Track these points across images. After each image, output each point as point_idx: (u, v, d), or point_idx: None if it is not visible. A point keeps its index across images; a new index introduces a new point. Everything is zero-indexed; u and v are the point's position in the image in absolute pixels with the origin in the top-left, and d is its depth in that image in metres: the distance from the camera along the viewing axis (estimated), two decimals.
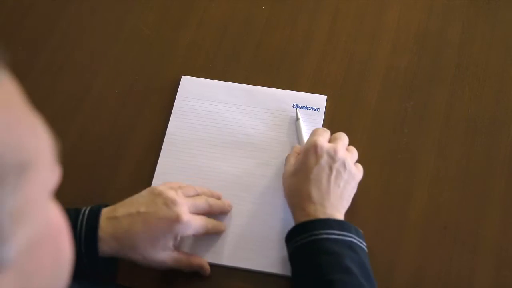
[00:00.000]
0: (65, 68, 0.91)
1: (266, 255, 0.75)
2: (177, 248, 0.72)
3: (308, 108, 0.85)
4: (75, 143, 0.84)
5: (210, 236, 0.76)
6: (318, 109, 0.85)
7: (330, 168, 0.72)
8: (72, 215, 0.68)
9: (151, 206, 0.69)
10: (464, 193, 0.79)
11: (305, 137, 0.80)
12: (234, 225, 0.77)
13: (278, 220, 0.77)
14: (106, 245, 0.67)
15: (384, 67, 0.89)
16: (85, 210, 0.69)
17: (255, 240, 0.76)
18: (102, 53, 0.92)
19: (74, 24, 0.95)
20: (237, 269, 0.75)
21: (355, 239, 0.69)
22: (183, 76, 0.88)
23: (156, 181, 0.80)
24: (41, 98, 0.81)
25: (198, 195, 0.75)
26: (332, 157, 0.73)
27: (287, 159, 0.79)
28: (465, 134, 0.83)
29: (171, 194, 0.70)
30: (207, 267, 0.74)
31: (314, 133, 0.77)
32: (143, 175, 0.81)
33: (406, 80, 0.88)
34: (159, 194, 0.70)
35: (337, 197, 0.72)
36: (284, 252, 0.73)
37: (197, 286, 0.75)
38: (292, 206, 0.74)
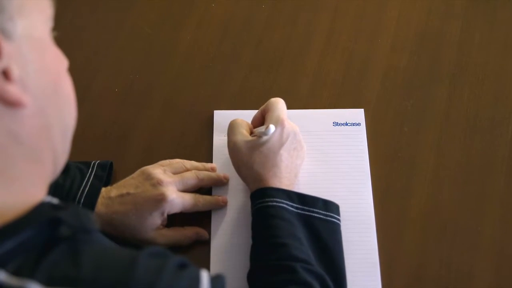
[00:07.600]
0: None
1: None
2: (165, 225, 0.74)
3: (349, 124, 0.83)
4: (76, 141, 0.83)
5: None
6: (358, 124, 0.83)
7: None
8: (75, 185, 0.73)
9: (139, 187, 0.72)
10: (463, 192, 0.79)
11: None
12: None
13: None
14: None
15: (384, 66, 0.89)
16: (87, 182, 0.73)
17: None
18: (102, 52, 0.92)
19: (75, 22, 0.95)
20: None
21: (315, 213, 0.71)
22: (215, 111, 0.85)
23: None
24: None
25: (188, 170, 0.76)
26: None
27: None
28: (465, 132, 0.83)
29: (158, 174, 0.73)
30: (203, 231, 0.76)
31: None
32: None
33: (405, 79, 0.88)
34: (148, 175, 0.73)
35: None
36: None
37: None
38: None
